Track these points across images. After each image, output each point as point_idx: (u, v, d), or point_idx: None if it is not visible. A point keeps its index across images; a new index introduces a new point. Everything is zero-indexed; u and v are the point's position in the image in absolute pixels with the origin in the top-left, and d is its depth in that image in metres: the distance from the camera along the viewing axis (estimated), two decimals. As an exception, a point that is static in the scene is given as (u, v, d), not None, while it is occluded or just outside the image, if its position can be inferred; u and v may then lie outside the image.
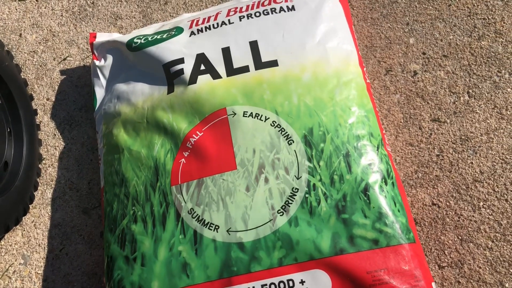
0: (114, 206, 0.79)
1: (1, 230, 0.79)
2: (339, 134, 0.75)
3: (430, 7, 0.98)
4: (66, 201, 0.92)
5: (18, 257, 0.89)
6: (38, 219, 0.91)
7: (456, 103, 0.89)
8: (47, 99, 1.01)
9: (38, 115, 1.00)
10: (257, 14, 0.87)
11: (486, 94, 0.89)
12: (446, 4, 0.97)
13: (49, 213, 0.91)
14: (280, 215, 0.71)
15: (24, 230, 0.91)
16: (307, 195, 0.72)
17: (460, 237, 0.80)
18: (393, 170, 0.76)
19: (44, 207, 0.92)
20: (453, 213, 0.82)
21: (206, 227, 0.73)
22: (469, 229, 0.80)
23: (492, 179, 0.83)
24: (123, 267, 0.74)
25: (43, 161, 0.96)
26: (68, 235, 0.89)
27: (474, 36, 0.94)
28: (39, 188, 0.93)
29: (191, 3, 1.06)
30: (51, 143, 0.97)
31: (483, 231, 0.80)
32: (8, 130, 0.89)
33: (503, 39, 0.93)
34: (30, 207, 0.92)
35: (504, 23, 0.94)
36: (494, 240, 0.79)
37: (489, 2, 0.96)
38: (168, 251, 0.73)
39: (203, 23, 0.88)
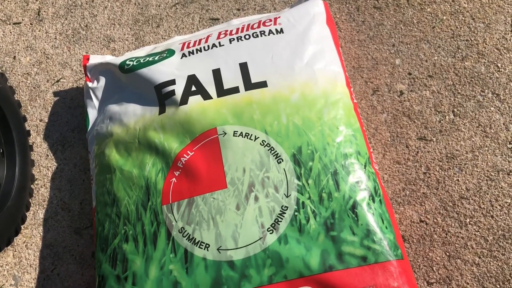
0: (105, 225, 0.80)
1: (-8, 251, 0.79)
2: (327, 153, 0.77)
3: (415, 29, 1.01)
4: (58, 221, 0.93)
5: (9, 278, 0.89)
6: (29, 239, 0.92)
7: (441, 122, 0.91)
8: (40, 120, 1.02)
9: (31, 136, 1.01)
10: (247, 36, 0.89)
11: (471, 113, 0.91)
12: (431, 26, 1.00)
13: (41, 234, 0.92)
14: (270, 233, 0.72)
15: (15, 251, 0.91)
16: (296, 213, 0.73)
17: (447, 254, 0.81)
18: (380, 187, 0.77)
19: (36, 228, 0.92)
20: (441, 229, 0.83)
21: (196, 246, 0.73)
22: (457, 245, 0.82)
23: (478, 196, 0.85)
24: (114, 286, 0.74)
25: (36, 182, 0.96)
26: (59, 255, 0.90)
27: (458, 57, 0.97)
28: (31, 208, 0.94)
29: (183, 26, 1.08)
30: (44, 163, 0.98)
31: (470, 248, 0.81)
32: (1, 151, 0.90)
33: (485, 59, 0.95)
34: (22, 228, 0.92)
35: (486, 44, 0.97)
36: (481, 256, 0.80)
37: (472, 24, 0.99)
38: (159, 270, 0.73)
39: (194, 45, 0.91)
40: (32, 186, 0.96)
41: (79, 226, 0.92)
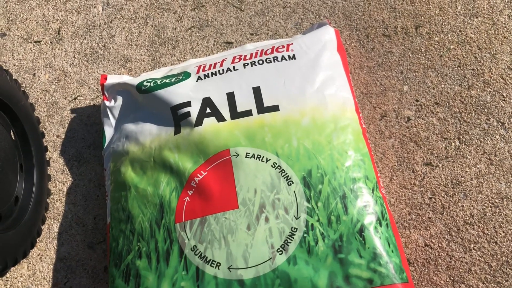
0: (119, 241, 0.83)
1: (10, 264, 0.82)
2: (336, 177, 0.79)
3: (423, 57, 1.04)
4: (72, 235, 0.95)
5: (23, 290, 0.91)
6: (44, 252, 0.94)
7: (447, 148, 0.94)
8: (57, 136, 1.06)
9: (48, 152, 1.04)
10: (260, 62, 0.92)
11: (476, 141, 0.94)
12: (438, 55, 1.04)
13: (55, 247, 0.94)
14: (280, 254, 0.75)
15: (29, 263, 0.93)
16: (305, 235, 0.75)
17: (452, 278, 0.83)
18: (387, 212, 0.79)
19: (50, 241, 0.95)
20: (445, 254, 0.85)
21: (208, 264, 0.76)
22: (461, 270, 0.83)
23: (482, 222, 0.87)
24: (127, 302, 0.77)
25: (51, 196, 0.99)
26: (72, 269, 0.92)
27: (464, 86, 0.99)
28: (46, 222, 0.97)
29: (198, 49, 1.12)
30: (60, 178, 1.01)
31: (474, 273, 0.83)
32: (20, 165, 0.93)
33: (491, 89, 0.98)
34: (37, 241, 0.95)
35: (492, 74, 1.00)
36: (485, 282, 0.82)
37: (478, 54, 1.02)
38: (171, 287, 0.75)
39: (209, 69, 0.94)
40: (48, 200, 0.99)
41: (93, 240, 0.94)
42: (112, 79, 1.03)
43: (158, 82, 0.94)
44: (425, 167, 0.93)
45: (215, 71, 0.93)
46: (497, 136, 0.94)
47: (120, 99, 0.99)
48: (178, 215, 0.81)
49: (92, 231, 0.95)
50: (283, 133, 0.84)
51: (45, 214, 0.97)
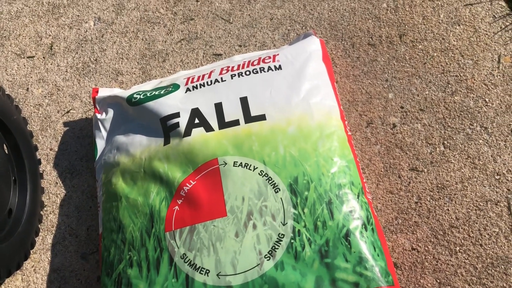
0: (111, 251, 0.84)
1: (3, 275, 0.83)
2: (322, 183, 0.81)
3: (407, 65, 1.06)
4: (65, 246, 0.97)
5: (17, 301, 0.92)
6: (38, 264, 0.95)
7: (432, 153, 0.96)
8: (50, 149, 1.08)
9: (42, 164, 1.06)
10: (247, 72, 0.95)
11: (460, 145, 0.96)
12: (422, 62, 1.06)
13: (49, 258, 0.96)
14: (267, 260, 0.76)
15: (24, 275, 0.95)
16: (292, 241, 0.77)
17: (438, 281, 0.84)
18: (373, 216, 0.81)
19: (44, 252, 0.96)
20: (432, 257, 0.86)
21: (197, 271, 0.77)
22: (447, 272, 0.85)
23: (467, 225, 0.88)
24: (118, 310, 0.78)
25: (45, 208, 1.01)
26: (66, 279, 0.93)
27: (448, 92, 1.02)
28: (40, 234, 0.98)
29: (187, 61, 1.14)
30: (53, 191, 1.03)
31: (460, 275, 0.84)
32: (13, 178, 0.95)
33: (474, 94, 1.01)
34: (31, 252, 0.96)
35: (474, 80, 1.02)
36: (471, 284, 0.84)
37: (461, 61, 1.05)
38: (161, 294, 0.77)
39: (198, 80, 0.96)
40: (41, 212, 1.00)
41: (86, 251, 0.96)
42: (103, 92, 1.05)
43: (148, 94, 0.96)
44: (411, 172, 0.95)
45: (204, 83, 0.95)
46: (480, 141, 0.96)
47: (111, 112, 1.01)
48: (168, 224, 0.82)
49: (85, 242, 0.97)
50: (270, 141, 0.86)
51: (39, 226, 0.98)
